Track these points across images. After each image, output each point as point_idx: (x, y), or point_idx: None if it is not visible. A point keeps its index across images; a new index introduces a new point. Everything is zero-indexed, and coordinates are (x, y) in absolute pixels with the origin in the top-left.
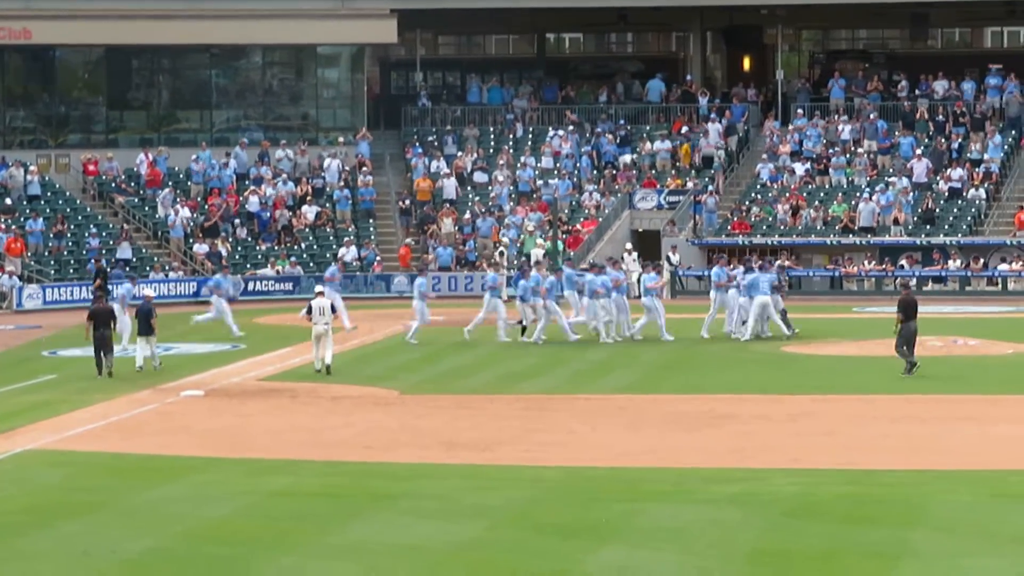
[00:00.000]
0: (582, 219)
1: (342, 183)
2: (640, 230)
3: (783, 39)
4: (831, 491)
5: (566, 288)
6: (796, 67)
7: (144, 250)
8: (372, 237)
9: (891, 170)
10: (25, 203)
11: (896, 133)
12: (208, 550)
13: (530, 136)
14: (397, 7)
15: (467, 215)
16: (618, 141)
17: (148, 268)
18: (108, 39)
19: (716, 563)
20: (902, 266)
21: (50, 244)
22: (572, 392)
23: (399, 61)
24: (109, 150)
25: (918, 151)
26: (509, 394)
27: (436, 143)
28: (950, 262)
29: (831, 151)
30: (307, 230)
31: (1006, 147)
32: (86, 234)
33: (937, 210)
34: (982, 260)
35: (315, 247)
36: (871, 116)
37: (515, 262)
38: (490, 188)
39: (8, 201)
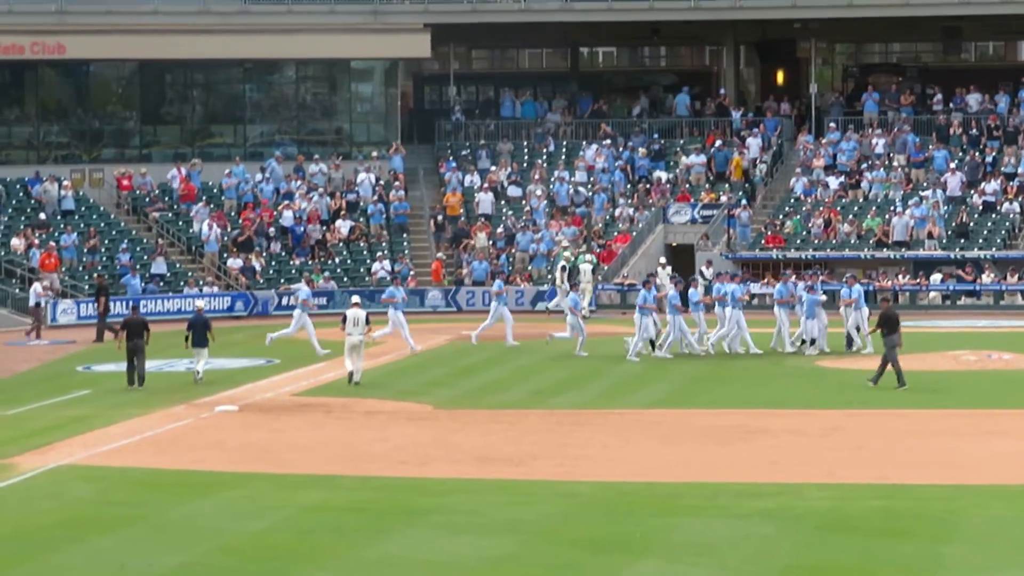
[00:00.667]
0: (616, 233)
1: (376, 197)
2: (674, 244)
3: (816, 52)
4: (864, 505)
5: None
6: (829, 81)
7: (178, 265)
8: (406, 251)
9: (925, 184)
10: (59, 218)
11: (930, 146)
12: (242, 565)
13: (564, 150)
14: (431, 21)
15: (500, 229)
16: (651, 155)
17: (182, 283)
18: (142, 54)
19: None
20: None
21: (84, 259)
22: (605, 407)
23: (432, 75)
24: (143, 165)
25: (952, 164)
26: (542, 409)
27: (470, 157)
28: (984, 276)
29: (864, 165)
30: (341, 245)
31: None
32: (119, 249)
33: (971, 224)
34: (1017, 274)
35: (349, 262)
36: (904, 129)
37: (548, 276)
38: (524, 203)
39: (42, 216)
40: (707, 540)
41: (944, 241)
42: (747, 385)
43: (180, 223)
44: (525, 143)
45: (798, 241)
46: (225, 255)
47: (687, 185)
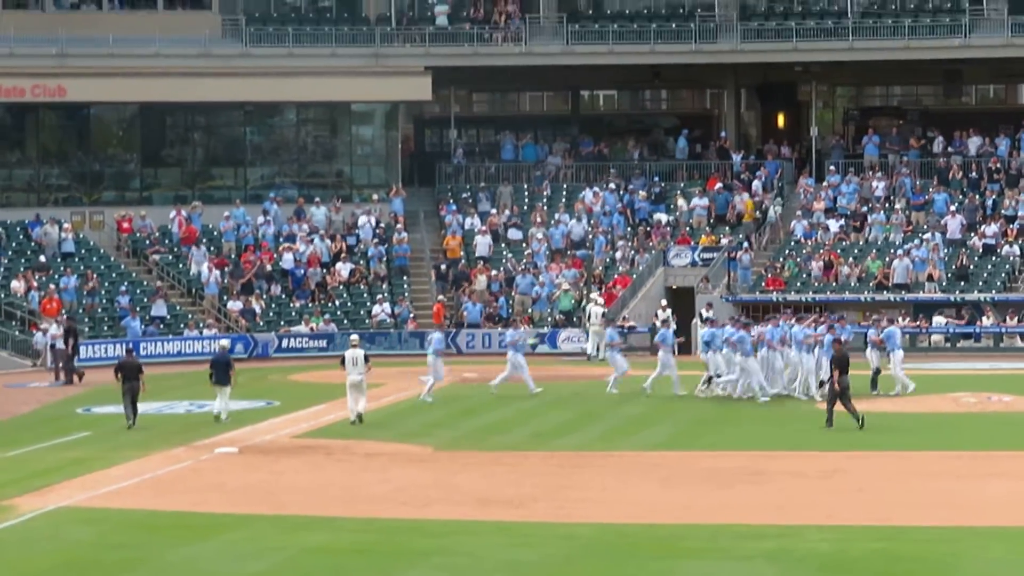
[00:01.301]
0: (616, 276)
1: (376, 240)
2: (674, 287)
3: (817, 96)
4: (865, 547)
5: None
6: (830, 124)
7: (178, 307)
8: (406, 294)
9: (925, 226)
10: (59, 260)
11: (930, 189)
12: None
13: (564, 193)
14: (432, 64)
15: (499, 271)
16: (652, 198)
17: (183, 325)
18: (142, 96)
19: None
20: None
21: (84, 301)
22: (606, 449)
23: (433, 118)
24: (143, 207)
25: (952, 207)
26: (543, 451)
27: (470, 200)
28: (984, 318)
29: (865, 208)
30: (341, 287)
31: None
32: (119, 291)
33: (971, 266)
34: (1017, 317)
35: (349, 304)
36: (903, 171)
37: (548, 318)
38: (524, 245)
39: (42, 258)
40: None
41: (944, 284)
42: (748, 427)
43: (180, 265)
44: (525, 186)
45: (798, 284)
46: (225, 297)
47: (687, 228)
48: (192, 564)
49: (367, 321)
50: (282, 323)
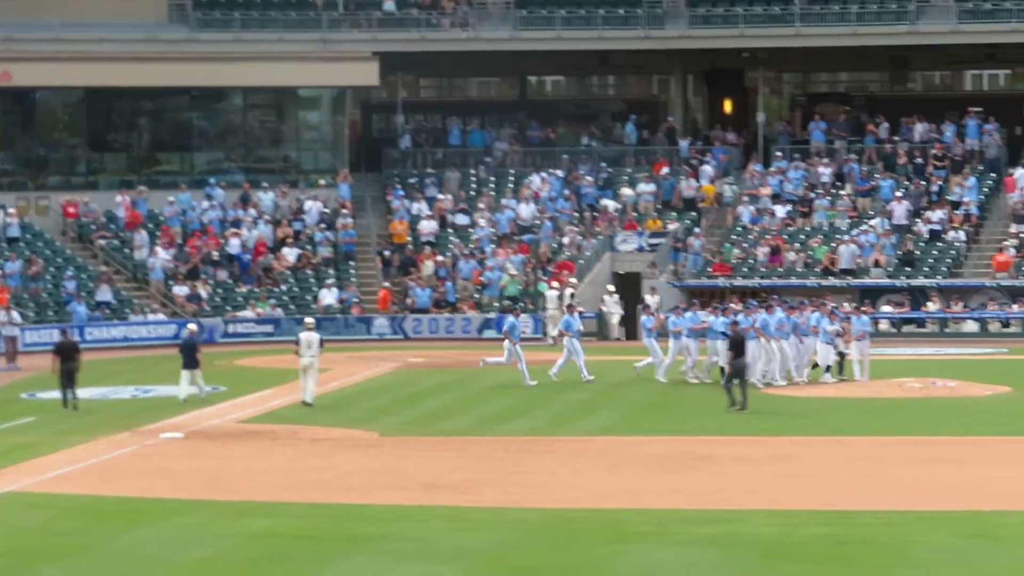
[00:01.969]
0: (559, 259)
1: (323, 225)
2: (621, 272)
3: (764, 82)
4: (810, 532)
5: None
6: (777, 110)
7: (124, 292)
8: (353, 279)
9: (871, 212)
10: (4, 245)
11: (876, 175)
12: None
13: (511, 178)
14: (379, 50)
15: (447, 257)
16: (599, 183)
17: (128, 311)
18: (88, 81)
19: None
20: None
21: (29, 286)
22: (553, 434)
23: (380, 104)
24: (89, 192)
25: (898, 193)
26: (489, 436)
27: (417, 185)
28: (929, 304)
29: (812, 193)
30: (287, 272)
31: (985, 190)
32: (65, 276)
33: (917, 252)
34: (962, 302)
35: (295, 289)
36: (851, 157)
37: (495, 304)
38: (471, 230)
39: None
40: (653, 567)
41: (890, 269)
42: (695, 413)
43: (126, 250)
44: (472, 171)
45: (744, 269)
46: (171, 282)
47: (635, 213)
48: (137, 550)
49: (313, 306)
50: (228, 308)
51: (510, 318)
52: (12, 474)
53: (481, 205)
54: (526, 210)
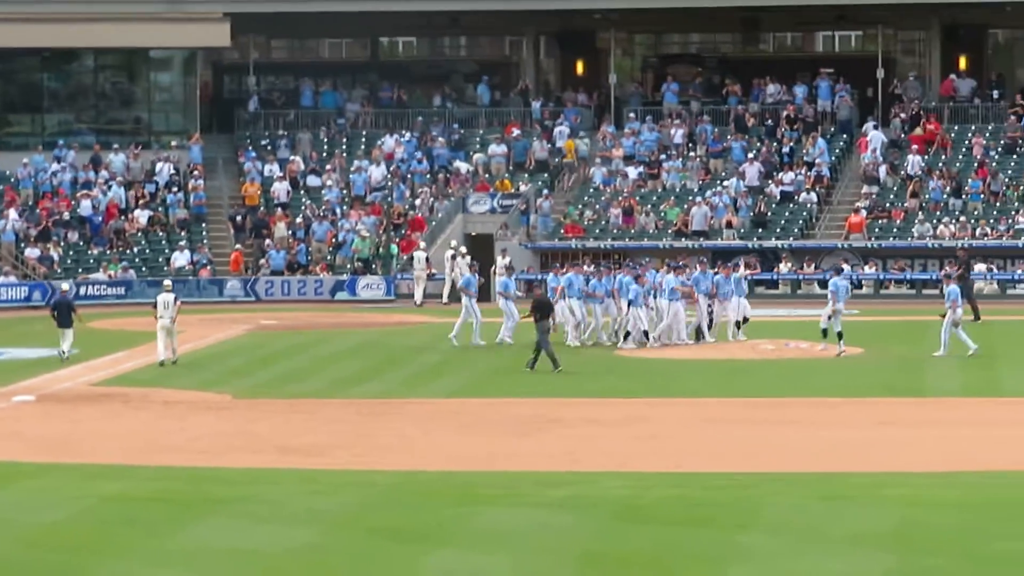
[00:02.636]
0: (410, 218)
1: (175, 187)
2: (474, 234)
3: (616, 43)
4: (660, 494)
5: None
6: (629, 71)
7: None
8: (205, 241)
9: (723, 174)
10: None
11: (728, 137)
12: (40, 556)
13: (363, 140)
14: (230, 11)
15: (299, 219)
16: (451, 145)
17: None
18: None
19: (548, 566)
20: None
21: None
22: (405, 396)
23: (232, 65)
24: None
25: (750, 155)
26: (342, 398)
27: (269, 147)
28: (781, 265)
29: (664, 155)
30: (139, 234)
31: (837, 151)
32: None
33: (769, 213)
34: (814, 263)
35: (147, 251)
36: (705, 119)
37: (348, 265)
38: (323, 192)
39: None
40: (504, 529)
41: (743, 231)
42: (547, 375)
43: None
44: (324, 133)
45: (597, 231)
46: (23, 244)
47: (487, 175)
48: None
49: (165, 268)
50: (80, 270)
51: (466, 274)
52: None
53: (330, 167)
54: (378, 172)
